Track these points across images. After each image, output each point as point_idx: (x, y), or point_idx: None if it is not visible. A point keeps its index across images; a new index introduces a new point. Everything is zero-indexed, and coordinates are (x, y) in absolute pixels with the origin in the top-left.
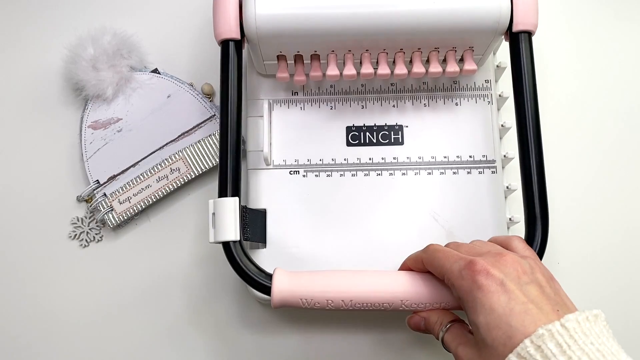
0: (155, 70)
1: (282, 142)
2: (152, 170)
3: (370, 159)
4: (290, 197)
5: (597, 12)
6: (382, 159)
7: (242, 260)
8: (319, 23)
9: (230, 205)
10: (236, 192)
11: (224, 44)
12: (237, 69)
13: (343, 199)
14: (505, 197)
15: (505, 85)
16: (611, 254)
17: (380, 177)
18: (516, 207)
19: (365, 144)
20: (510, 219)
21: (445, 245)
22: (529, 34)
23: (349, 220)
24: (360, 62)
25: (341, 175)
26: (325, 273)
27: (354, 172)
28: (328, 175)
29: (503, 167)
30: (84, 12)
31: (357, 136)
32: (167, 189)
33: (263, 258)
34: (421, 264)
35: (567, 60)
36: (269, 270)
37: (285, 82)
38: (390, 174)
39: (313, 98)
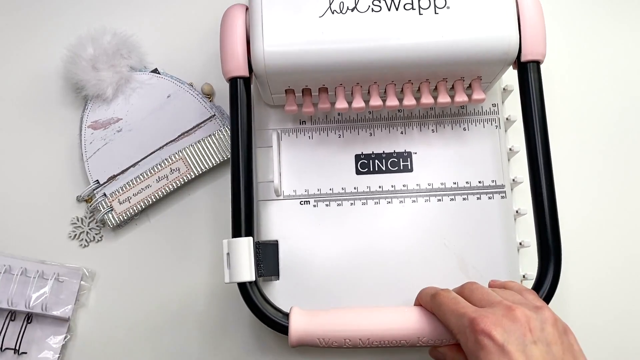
0: (155, 70)
1: (291, 172)
2: (152, 170)
3: (380, 187)
4: (301, 227)
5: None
6: (392, 186)
7: (259, 301)
8: (328, 59)
9: (245, 246)
10: (250, 232)
11: (233, 81)
12: (246, 105)
13: (354, 228)
14: (515, 220)
15: (512, 107)
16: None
17: (390, 205)
18: (526, 230)
19: (374, 172)
20: (520, 244)
21: (460, 288)
22: (538, 63)
23: (361, 249)
24: (369, 92)
25: (351, 204)
26: (341, 312)
27: (364, 201)
28: (338, 205)
29: (512, 190)
30: (84, 12)
31: (366, 164)
32: (167, 189)
33: (276, 290)
34: (430, 308)
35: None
36: (283, 303)
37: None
38: (401, 202)
39: (321, 127)
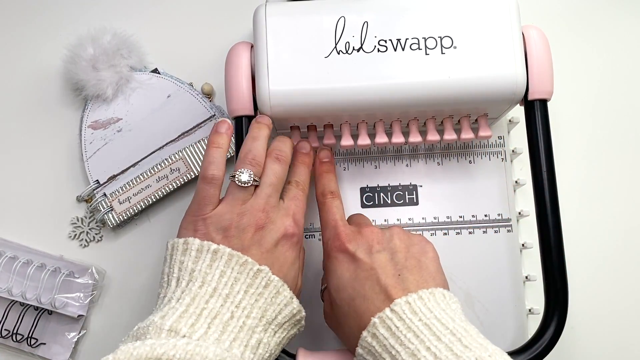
0: (155, 70)
1: None
2: (152, 170)
3: (385, 220)
4: (307, 262)
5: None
6: (398, 220)
7: None
8: (334, 98)
9: None
10: None
11: (238, 119)
12: None
13: None
14: (521, 253)
15: (517, 138)
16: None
17: None
18: (532, 264)
19: (380, 205)
20: (526, 277)
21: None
22: (545, 101)
23: None
24: (374, 127)
25: None
26: (349, 354)
27: None
28: None
29: (518, 222)
30: (84, 12)
31: (371, 197)
32: (167, 189)
33: None
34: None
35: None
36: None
37: None
38: None
39: None
